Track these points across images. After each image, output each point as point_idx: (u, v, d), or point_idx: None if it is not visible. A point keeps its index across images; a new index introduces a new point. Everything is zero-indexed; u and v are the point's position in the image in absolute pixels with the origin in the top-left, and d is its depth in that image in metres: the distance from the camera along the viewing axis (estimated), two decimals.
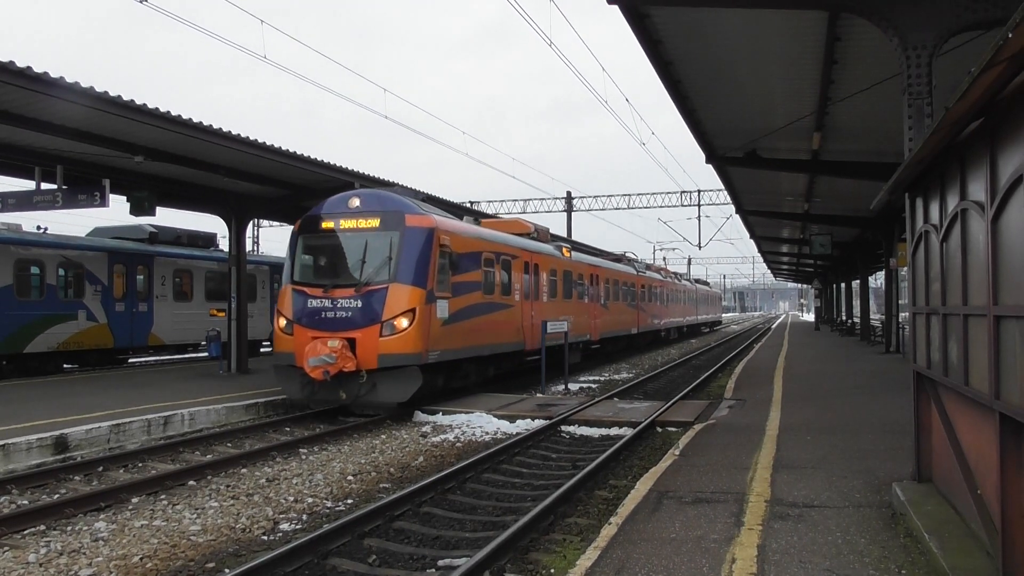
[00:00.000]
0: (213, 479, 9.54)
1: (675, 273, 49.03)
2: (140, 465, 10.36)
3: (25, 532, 7.36)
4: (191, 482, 9.37)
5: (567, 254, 23.19)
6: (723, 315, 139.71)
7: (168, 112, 13.03)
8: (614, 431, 12.88)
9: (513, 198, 46.15)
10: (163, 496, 8.72)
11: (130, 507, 8.28)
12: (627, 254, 35.80)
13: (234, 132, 14.47)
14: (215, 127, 14.03)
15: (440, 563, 6.46)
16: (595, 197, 44.41)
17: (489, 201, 44.58)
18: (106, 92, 11.81)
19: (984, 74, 3.93)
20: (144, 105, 12.50)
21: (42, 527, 7.51)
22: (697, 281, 62.05)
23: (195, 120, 13.55)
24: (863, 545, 5.85)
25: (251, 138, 14.83)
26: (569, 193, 43.83)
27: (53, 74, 10.96)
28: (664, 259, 53.24)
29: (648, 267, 38.30)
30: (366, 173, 18.05)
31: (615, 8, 9.57)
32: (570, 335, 20.55)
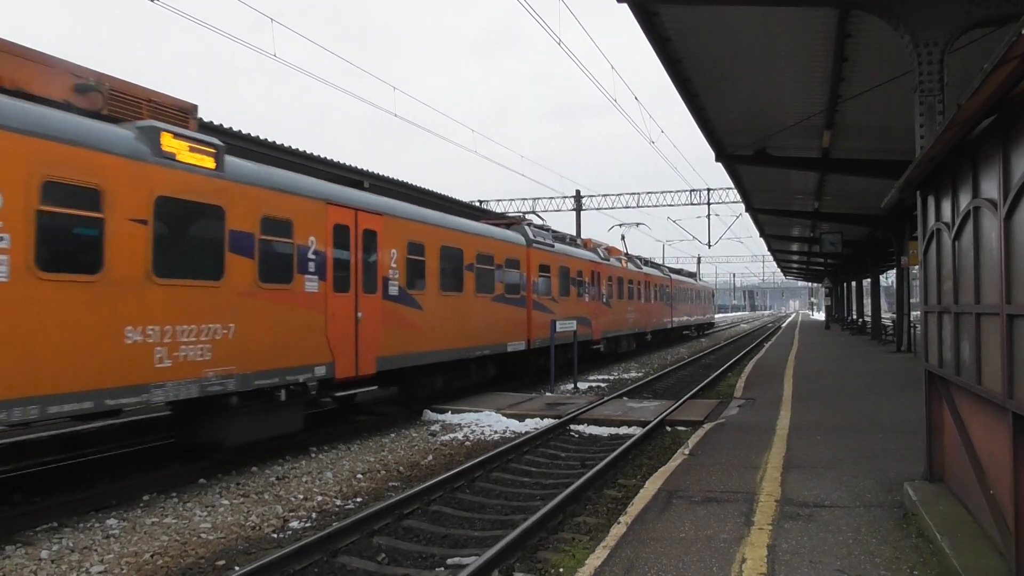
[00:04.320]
0: (223, 477, 9.58)
1: (637, 258, 35.38)
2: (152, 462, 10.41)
3: (38, 529, 7.42)
4: (202, 480, 9.41)
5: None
6: (732, 315, 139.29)
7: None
8: (623, 430, 12.86)
9: (523, 197, 45.76)
10: (174, 494, 8.77)
11: (141, 505, 8.33)
12: (528, 215, 24.92)
13: (245, 132, 14.51)
14: (235, 129, 14.05)
15: (449, 561, 6.47)
16: (604, 196, 44.35)
17: (499, 200, 44.62)
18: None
19: (996, 71, 3.90)
20: None
21: (54, 524, 7.56)
22: (677, 272, 46.57)
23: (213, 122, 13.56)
24: (874, 545, 5.81)
25: (264, 138, 14.87)
26: (578, 192, 43.78)
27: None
28: (623, 237, 36.69)
29: (567, 240, 24.36)
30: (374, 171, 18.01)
31: (624, 7, 9.56)
32: (283, 367, 10.27)
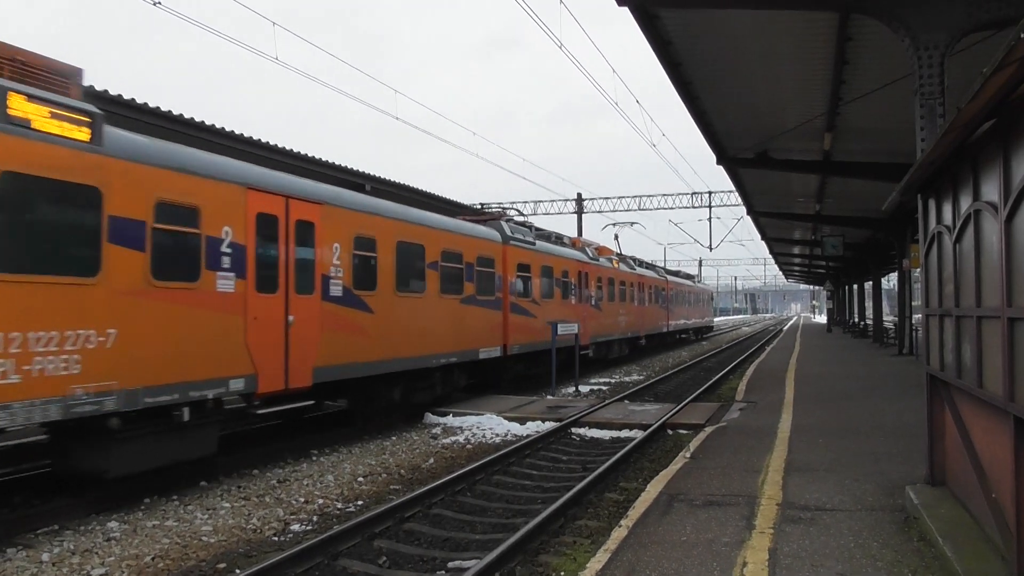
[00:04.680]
0: (225, 480, 9.59)
1: (631, 258, 32.98)
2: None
3: (39, 531, 7.42)
4: (203, 482, 9.42)
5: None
6: (733, 317, 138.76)
7: (168, 111, 12.97)
8: (625, 433, 12.85)
9: (524, 199, 45.73)
10: (175, 496, 8.77)
11: (142, 507, 8.33)
12: (508, 211, 23.40)
13: (241, 133, 14.46)
14: (218, 126, 14.02)
15: (450, 565, 6.47)
16: (605, 199, 44.38)
17: (500, 203, 44.61)
18: (92, 86, 11.63)
19: (996, 75, 3.91)
20: (133, 100, 12.40)
21: (55, 526, 7.57)
22: (674, 273, 43.54)
23: (195, 119, 13.50)
24: (876, 549, 5.81)
25: (252, 136, 14.86)
26: (579, 195, 43.81)
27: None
28: (616, 237, 34.00)
29: (552, 239, 22.70)
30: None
31: (624, 11, 9.57)
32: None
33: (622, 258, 31.05)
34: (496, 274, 17.39)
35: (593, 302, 24.65)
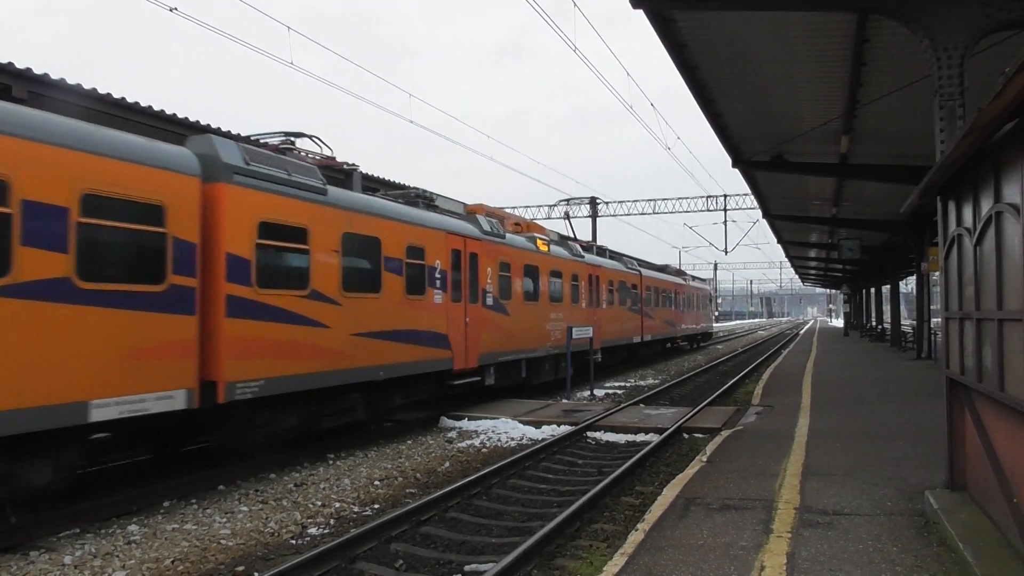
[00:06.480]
0: (242, 483, 9.65)
1: (580, 242, 24.59)
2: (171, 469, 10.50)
3: (61, 535, 7.50)
4: (221, 486, 9.49)
5: None
6: (749, 321, 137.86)
7: (164, 112, 12.93)
8: (640, 437, 12.81)
9: (538, 203, 45.60)
10: (194, 500, 8.84)
11: (162, 511, 8.40)
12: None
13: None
14: (215, 127, 13.91)
15: (466, 568, 6.48)
16: (620, 202, 44.29)
17: (513, 207, 44.69)
18: (109, 94, 11.67)
19: (1019, 74, 3.87)
20: (140, 104, 12.40)
21: (76, 530, 7.65)
22: (660, 268, 35.54)
23: (194, 120, 13.48)
24: (895, 554, 5.75)
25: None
26: (593, 198, 43.76)
27: (63, 78, 10.98)
28: (566, 215, 26.22)
29: (414, 199, 14.64)
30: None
31: (639, 13, 9.57)
32: None
33: (564, 241, 22.65)
34: (176, 239, 8.59)
35: (490, 301, 16.28)
